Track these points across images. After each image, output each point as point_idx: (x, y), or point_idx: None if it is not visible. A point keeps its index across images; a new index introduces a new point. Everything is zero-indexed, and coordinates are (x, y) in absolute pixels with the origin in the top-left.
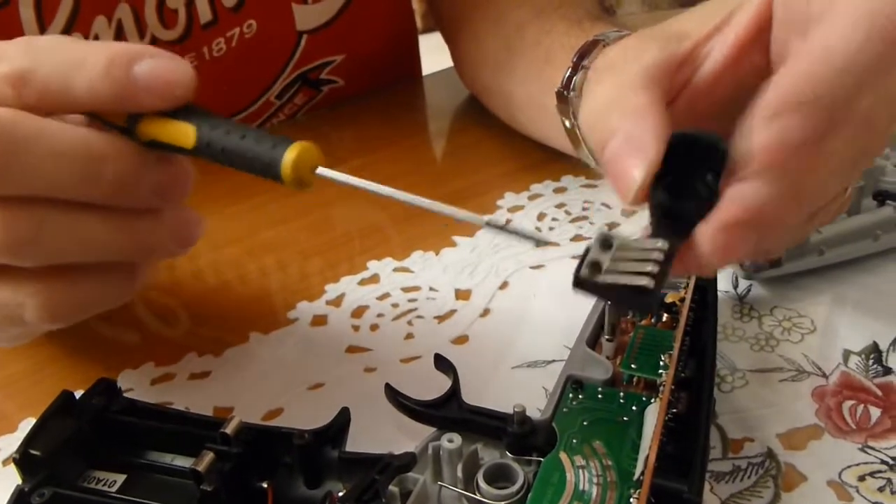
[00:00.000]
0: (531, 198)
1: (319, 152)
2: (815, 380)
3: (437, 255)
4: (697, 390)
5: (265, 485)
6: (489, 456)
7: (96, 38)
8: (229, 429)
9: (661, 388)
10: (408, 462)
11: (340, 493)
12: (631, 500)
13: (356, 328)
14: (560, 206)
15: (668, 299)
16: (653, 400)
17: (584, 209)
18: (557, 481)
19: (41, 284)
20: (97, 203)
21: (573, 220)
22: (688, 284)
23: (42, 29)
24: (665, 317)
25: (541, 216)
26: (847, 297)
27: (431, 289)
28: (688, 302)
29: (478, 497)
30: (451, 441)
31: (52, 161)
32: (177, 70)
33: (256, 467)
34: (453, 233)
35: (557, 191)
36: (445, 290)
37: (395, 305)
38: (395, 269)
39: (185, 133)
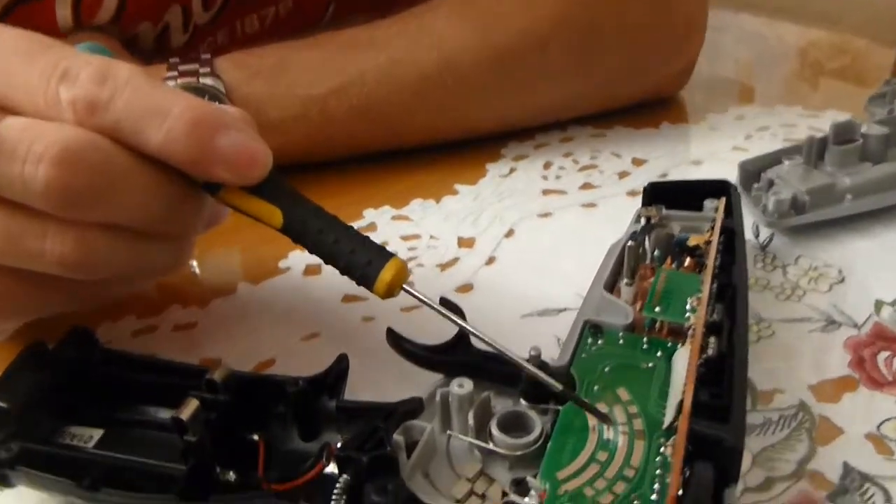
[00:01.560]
0: (536, 147)
1: (407, 269)
2: (846, 330)
3: (437, 203)
4: (729, 333)
5: (256, 437)
6: (501, 405)
7: (136, 37)
8: (217, 376)
9: (690, 333)
10: (415, 408)
11: (340, 444)
12: (662, 449)
13: None
14: (567, 154)
15: (692, 242)
16: (680, 345)
17: (592, 158)
18: (579, 430)
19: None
20: (158, 232)
21: (581, 169)
22: (712, 227)
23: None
24: (688, 261)
25: (547, 165)
26: (875, 247)
27: (432, 237)
28: (715, 243)
29: (491, 447)
30: (462, 386)
31: (138, 199)
32: (259, 151)
33: (246, 418)
34: (455, 181)
35: (564, 140)
36: (447, 239)
37: None
38: (394, 218)
39: (271, 214)
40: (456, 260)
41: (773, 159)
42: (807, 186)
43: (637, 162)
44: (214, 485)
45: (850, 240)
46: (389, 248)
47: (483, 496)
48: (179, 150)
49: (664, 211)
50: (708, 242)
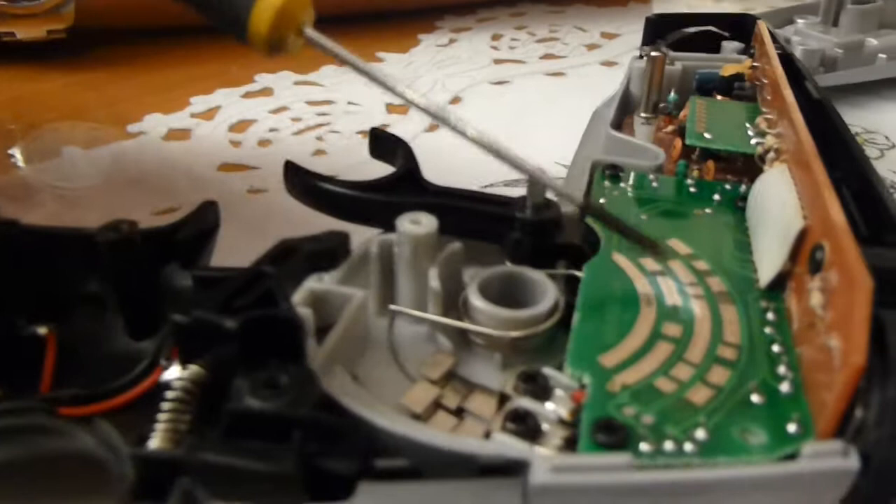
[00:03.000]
0: (480, 20)
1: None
2: None
3: None
4: (829, 155)
5: (44, 331)
6: (475, 273)
7: None
8: None
9: (771, 156)
10: (332, 247)
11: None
12: (769, 315)
13: (236, 144)
14: (520, 28)
15: (727, 72)
16: (742, 184)
17: (551, 31)
18: (620, 295)
19: None
20: None
21: (540, 41)
22: (752, 53)
23: None
24: (719, 99)
25: (496, 36)
26: None
27: (351, 103)
28: (776, 57)
29: (469, 324)
30: (417, 222)
31: None
32: None
33: (28, 298)
34: (379, 49)
35: (514, 15)
36: (372, 105)
37: (296, 119)
38: (297, 83)
39: None
40: (385, 127)
41: (784, 18)
42: (837, 41)
43: (608, 35)
44: None
45: (884, 107)
46: (292, 113)
47: (459, 412)
48: None
49: (671, 53)
50: (753, 67)
